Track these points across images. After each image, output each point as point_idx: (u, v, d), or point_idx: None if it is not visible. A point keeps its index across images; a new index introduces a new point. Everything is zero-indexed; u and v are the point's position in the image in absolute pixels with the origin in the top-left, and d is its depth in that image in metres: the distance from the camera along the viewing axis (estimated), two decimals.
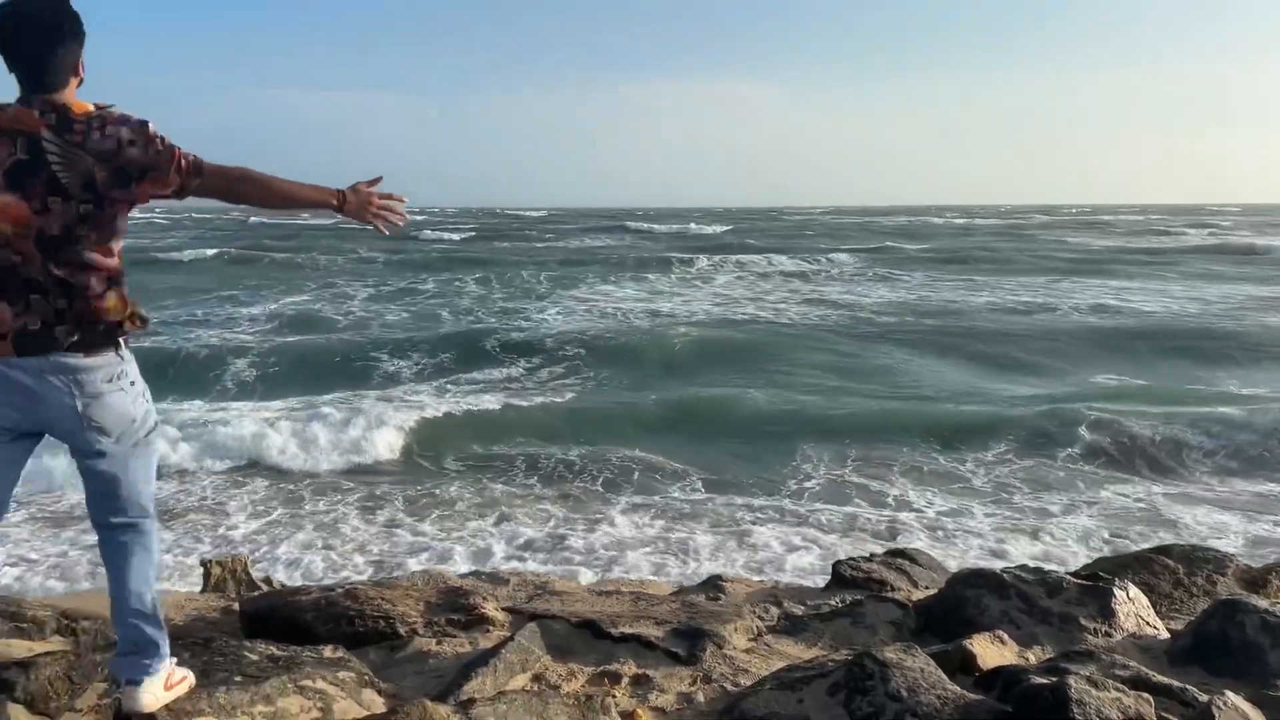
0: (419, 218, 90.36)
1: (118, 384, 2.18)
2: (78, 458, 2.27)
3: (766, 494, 9.14)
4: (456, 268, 34.88)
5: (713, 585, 4.47)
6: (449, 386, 14.38)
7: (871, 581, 4.79)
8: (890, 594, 4.49)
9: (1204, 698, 2.82)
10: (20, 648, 3.10)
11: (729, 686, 3.13)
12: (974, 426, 11.54)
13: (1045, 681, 2.84)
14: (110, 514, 2.30)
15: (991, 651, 3.36)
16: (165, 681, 2.42)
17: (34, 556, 7.10)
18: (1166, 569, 4.56)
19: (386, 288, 28.96)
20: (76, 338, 2.08)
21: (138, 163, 2.06)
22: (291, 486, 9.33)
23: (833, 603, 4.45)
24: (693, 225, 76.52)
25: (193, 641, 2.89)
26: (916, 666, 2.91)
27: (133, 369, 2.24)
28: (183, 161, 2.13)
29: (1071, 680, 2.75)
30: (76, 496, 8.37)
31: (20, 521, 7.84)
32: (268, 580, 4.58)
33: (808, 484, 9.48)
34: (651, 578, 5.96)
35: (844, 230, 72.75)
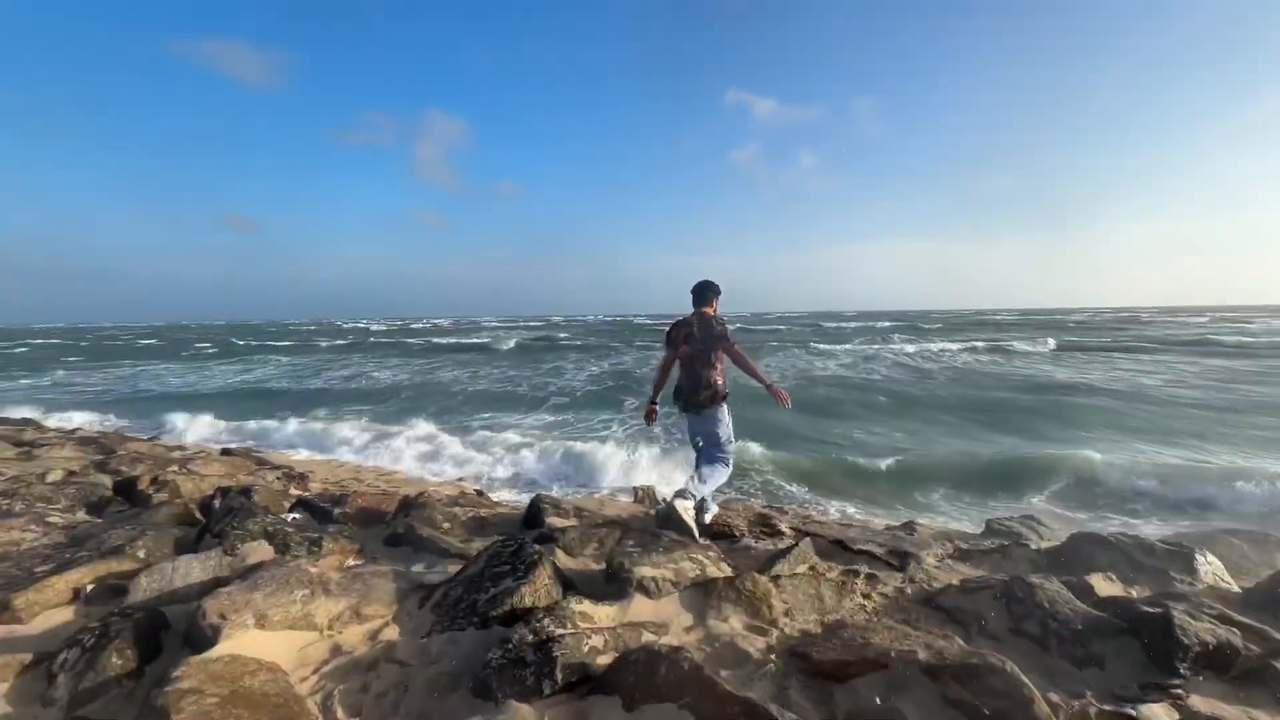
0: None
1: (719, 418, 5.36)
2: (701, 441, 5.68)
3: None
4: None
5: (909, 527, 6.44)
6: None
7: (1013, 533, 6.52)
8: (1026, 542, 5.97)
9: (1279, 635, 3.56)
10: (558, 522, 5.64)
11: (926, 587, 4.92)
12: None
13: (1155, 609, 3.53)
14: (704, 458, 5.55)
15: (1104, 586, 4.55)
16: (695, 515, 5.43)
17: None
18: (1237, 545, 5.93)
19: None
20: (704, 400, 5.18)
21: (720, 332, 5.59)
22: None
23: (987, 544, 6.09)
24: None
25: (638, 530, 5.17)
26: (1054, 588, 3.99)
27: (724, 414, 5.45)
28: (729, 340, 5.53)
29: (1174, 610, 3.48)
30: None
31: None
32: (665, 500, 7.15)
33: None
34: (868, 518, 8.07)
35: None
